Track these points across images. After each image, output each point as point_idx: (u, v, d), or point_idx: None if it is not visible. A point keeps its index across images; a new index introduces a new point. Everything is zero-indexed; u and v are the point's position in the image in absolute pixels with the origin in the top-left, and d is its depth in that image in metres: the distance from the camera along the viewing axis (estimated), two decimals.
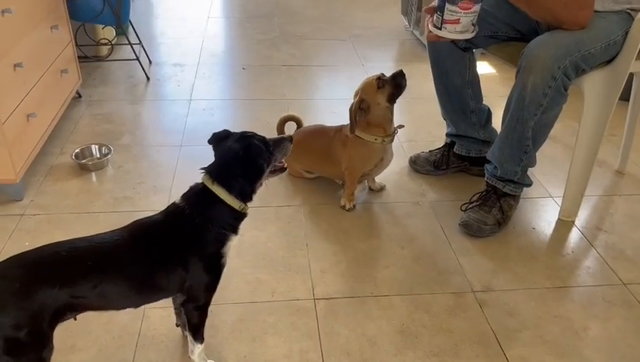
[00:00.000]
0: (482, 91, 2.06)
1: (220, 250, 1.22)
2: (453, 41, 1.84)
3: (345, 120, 1.90)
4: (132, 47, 2.89)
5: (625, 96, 1.87)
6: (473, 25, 1.65)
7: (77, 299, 1.10)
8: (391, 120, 1.87)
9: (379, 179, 2.08)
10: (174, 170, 2.14)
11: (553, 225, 1.93)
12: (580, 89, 1.74)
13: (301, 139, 2.02)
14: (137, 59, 2.89)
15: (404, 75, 1.82)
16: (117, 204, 1.94)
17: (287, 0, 4.29)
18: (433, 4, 1.70)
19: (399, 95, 1.83)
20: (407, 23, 3.67)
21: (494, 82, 2.95)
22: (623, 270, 1.71)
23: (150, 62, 3.08)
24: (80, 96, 2.65)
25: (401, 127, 1.91)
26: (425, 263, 1.73)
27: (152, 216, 1.24)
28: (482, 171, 1.93)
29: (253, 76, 3.02)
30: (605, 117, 1.76)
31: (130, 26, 3.06)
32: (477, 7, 1.61)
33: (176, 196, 1.25)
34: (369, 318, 1.52)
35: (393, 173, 2.17)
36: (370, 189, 2.08)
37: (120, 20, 2.78)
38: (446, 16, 1.63)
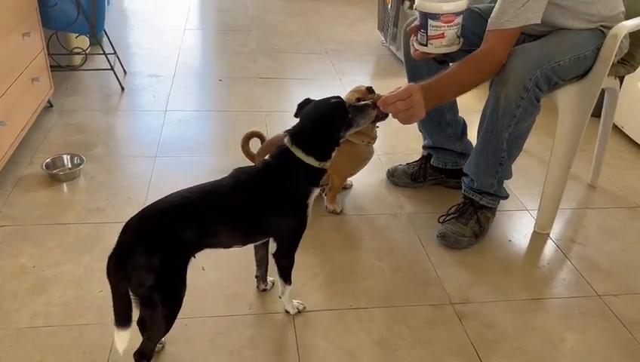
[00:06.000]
0: (458, 105, 2.08)
1: (305, 201, 1.39)
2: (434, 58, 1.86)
3: None
4: (107, 56, 2.85)
5: (595, 113, 1.91)
6: (458, 37, 1.66)
7: (204, 240, 1.26)
8: (372, 128, 1.92)
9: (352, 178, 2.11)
10: (149, 181, 2.09)
11: (529, 237, 1.95)
12: (554, 103, 1.78)
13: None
14: (112, 69, 2.85)
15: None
16: (89, 216, 1.89)
17: (265, 14, 4.30)
18: (415, 23, 1.71)
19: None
20: (383, 39, 3.71)
21: (470, 97, 2.96)
22: (597, 281, 1.73)
23: (125, 72, 3.04)
24: (52, 105, 2.59)
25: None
26: (403, 275, 1.72)
27: (251, 166, 1.43)
28: (459, 183, 1.94)
29: (229, 88, 3.00)
30: (579, 130, 1.79)
31: (105, 36, 3.02)
32: (459, 19, 1.62)
33: None
34: (348, 331, 1.50)
35: (371, 185, 2.17)
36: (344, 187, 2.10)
37: (94, 29, 2.73)
38: (430, 33, 1.63)
